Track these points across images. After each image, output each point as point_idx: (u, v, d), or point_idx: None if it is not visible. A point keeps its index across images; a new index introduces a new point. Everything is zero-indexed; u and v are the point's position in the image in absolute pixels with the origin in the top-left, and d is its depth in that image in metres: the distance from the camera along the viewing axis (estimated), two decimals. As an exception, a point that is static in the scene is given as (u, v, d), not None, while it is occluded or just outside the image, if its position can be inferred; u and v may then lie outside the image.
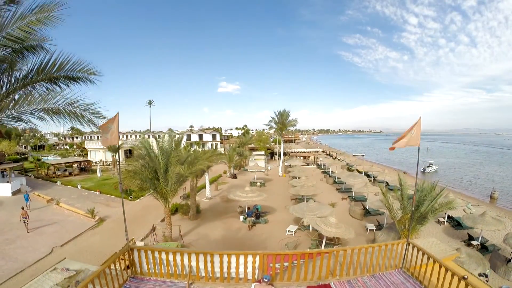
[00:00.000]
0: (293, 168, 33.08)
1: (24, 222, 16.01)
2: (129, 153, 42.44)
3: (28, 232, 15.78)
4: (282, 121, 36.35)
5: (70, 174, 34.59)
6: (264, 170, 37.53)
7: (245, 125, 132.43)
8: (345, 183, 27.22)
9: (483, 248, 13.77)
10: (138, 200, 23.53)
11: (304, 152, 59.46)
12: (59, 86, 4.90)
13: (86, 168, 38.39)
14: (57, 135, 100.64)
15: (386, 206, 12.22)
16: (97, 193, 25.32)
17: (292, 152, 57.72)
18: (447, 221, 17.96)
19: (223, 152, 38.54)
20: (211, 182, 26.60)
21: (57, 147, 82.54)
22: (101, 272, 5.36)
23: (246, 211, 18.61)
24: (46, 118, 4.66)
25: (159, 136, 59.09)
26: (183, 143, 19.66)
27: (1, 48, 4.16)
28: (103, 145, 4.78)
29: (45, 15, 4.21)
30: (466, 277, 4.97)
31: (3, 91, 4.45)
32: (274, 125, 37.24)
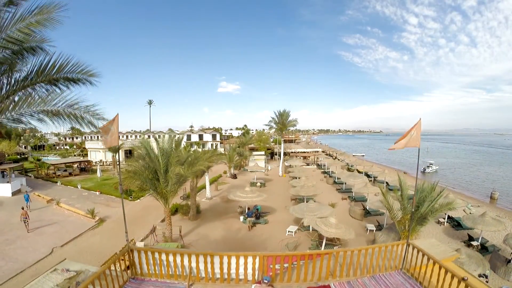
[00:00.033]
0: (293, 168, 33.08)
1: (24, 222, 16.02)
2: (129, 153, 42.43)
3: (28, 232, 15.79)
4: (282, 121, 36.34)
5: (70, 174, 34.59)
6: (264, 170, 37.52)
7: (245, 125, 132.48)
8: (345, 183, 27.22)
9: (483, 248, 13.76)
10: (138, 200, 23.53)
11: (304, 152, 59.45)
12: (59, 88, 4.90)
13: (86, 168, 38.40)
14: (57, 135, 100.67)
15: (386, 206, 12.22)
16: (97, 193, 25.32)
17: (292, 152, 57.72)
18: (447, 222, 17.95)
19: (223, 152, 38.54)
20: (211, 182, 26.61)
21: (57, 147, 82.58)
22: (101, 273, 5.37)
23: (246, 211, 18.61)
24: (46, 120, 4.67)
25: (159, 136, 59.12)
26: (183, 143, 19.66)
27: (1, 50, 4.16)
28: (104, 147, 4.79)
29: (45, 17, 4.20)
30: (466, 278, 4.97)
31: (2, 93, 4.44)
32: (274, 125, 37.24)
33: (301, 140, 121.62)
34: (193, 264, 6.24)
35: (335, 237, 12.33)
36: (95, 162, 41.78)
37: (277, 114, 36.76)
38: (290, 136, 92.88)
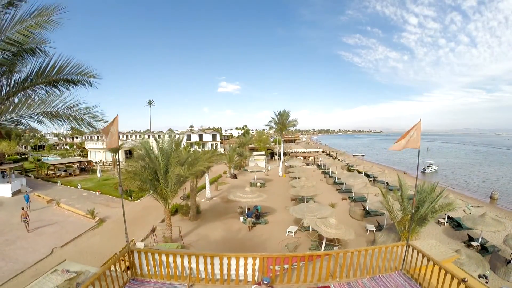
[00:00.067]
0: (293, 169, 33.09)
1: (25, 222, 16.03)
2: (129, 153, 42.43)
3: (28, 232, 15.81)
4: (282, 121, 36.35)
5: (70, 174, 34.59)
6: (264, 171, 37.52)
7: (245, 125, 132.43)
8: (345, 183, 27.22)
9: (483, 249, 13.77)
10: (138, 200, 23.54)
11: (304, 152, 59.47)
12: (59, 89, 4.90)
13: (86, 169, 38.41)
14: (57, 135, 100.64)
15: (386, 207, 12.23)
16: (97, 193, 25.32)
17: (292, 152, 57.72)
18: (447, 222, 17.96)
19: (223, 152, 38.55)
20: (211, 183, 26.62)
21: (57, 147, 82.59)
22: (101, 274, 5.37)
23: (246, 211, 18.61)
24: (46, 122, 4.67)
25: (159, 136, 59.11)
26: (183, 144, 19.67)
27: (0, 52, 4.16)
28: (108, 148, 4.80)
29: (44, 19, 4.20)
30: (465, 279, 4.98)
31: (2, 94, 4.44)
32: (274, 126, 37.26)
33: (301, 140, 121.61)
34: (193, 265, 6.25)
35: (335, 237, 12.34)
36: (95, 162, 41.78)
37: (277, 114, 36.77)
38: (290, 136, 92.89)
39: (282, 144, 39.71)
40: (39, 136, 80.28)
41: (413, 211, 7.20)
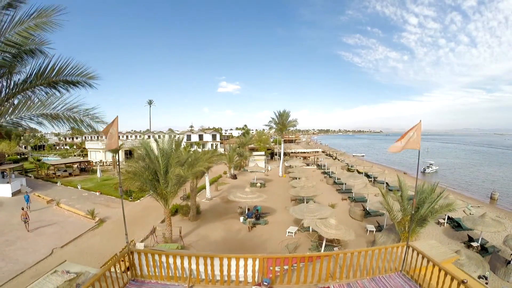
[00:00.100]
0: (293, 169, 33.09)
1: (25, 222, 16.05)
2: (129, 154, 42.44)
3: (28, 232, 15.83)
4: (282, 121, 36.36)
5: (70, 174, 34.61)
6: (264, 171, 37.53)
7: (245, 125, 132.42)
8: (345, 183, 27.23)
9: (483, 249, 13.77)
10: (138, 201, 23.54)
11: (304, 152, 59.46)
12: (58, 91, 4.89)
13: (86, 169, 38.43)
14: (57, 135, 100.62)
15: (386, 208, 12.23)
16: (97, 193, 25.33)
17: (292, 152, 57.72)
18: (447, 222, 17.95)
19: (223, 152, 38.54)
20: (211, 183, 26.62)
21: (57, 147, 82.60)
22: (102, 275, 5.37)
23: (246, 212, 18.62)
24: (45, 124, 4.67)
25: (159, 136, 59.10)
26: (183, 144, 19.67)
27: (0, 53, 4.16)
28: (107, 150, 4.80)
29: (43, 20, 4.19)
30: (465, 281, 4.98)
31: (2, 96, 4.44)
32: (274, 126, 37.27)
33: (301, 140, 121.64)
34: (193, 266, 6.25)
35: (335, 238, 12.34)
36: (95, 163, 41.80)
37: (277, 114, 36.78)
38: (290, 136, 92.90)
39: (282, 144, 39.73)
40: (39, 136, 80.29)
41: (413, 212, 7.20)
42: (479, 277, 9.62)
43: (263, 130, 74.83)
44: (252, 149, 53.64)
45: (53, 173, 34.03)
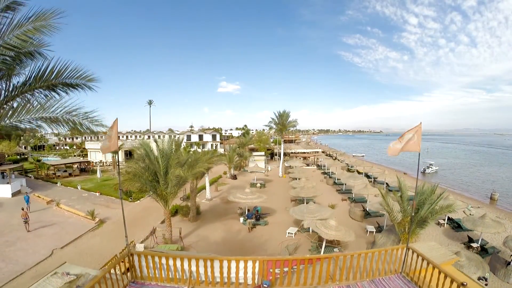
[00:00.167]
0: (293, 169, 33.08)
1: (25, 223, 16.06)
2: (129, 154, 42.46)
3: (29, 232, 15.86)
4: (282, 122, 36.37)
5: (70, 175, 34.61)
6: (264, 171, 37.55)
7: (245, 125, 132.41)
8: (345, 184, 27.23)
9: (483, 250, 13.77)
10: (138, 201, 23.54)
11: (304, 152, 59.46)
12: (58, 94, 4.89)
13: (86, 169, 38.43)
14: (57, 135, 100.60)
15: (386, 209, 12.23)
16: (97, 194, 25.33)
17: (292, 152, 57.71)
18: (447, 223, 17.95)
19: (223, 152, 38.55)
20: (211, 183, 26.62)
21: (57, 148, 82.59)
22: (102, 277, 5.38)
23: (246, 213, 18.61)
24: (44, 127, 4.66)
25: (159, 136, 59.11)
26: (183, 144, 19.68)
27: (-1, 57, 4.15)
28: (103, 153, 4.79)
29: (42, 23, 4.18)
30: (465, 283, 4.98)
31: (1, 99, 4.43)
32: (274, 126, 37.29)
33: (301, 140, 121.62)
34: (193, 268, 6.26)
35: (335, 239, 12.34)
36: (95, 163, 41.79)
37: (277, 114, 36.80)
38: (290, 136, 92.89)
39: (282, 145, 39.74)
40: (39, 137, 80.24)
41: (413, 213, 7.20)
42: (479, 278, 9.62)
43: (263, 130, 74.88)
44: (252, 149, 53.64)
45: (53, 174, 34.02)
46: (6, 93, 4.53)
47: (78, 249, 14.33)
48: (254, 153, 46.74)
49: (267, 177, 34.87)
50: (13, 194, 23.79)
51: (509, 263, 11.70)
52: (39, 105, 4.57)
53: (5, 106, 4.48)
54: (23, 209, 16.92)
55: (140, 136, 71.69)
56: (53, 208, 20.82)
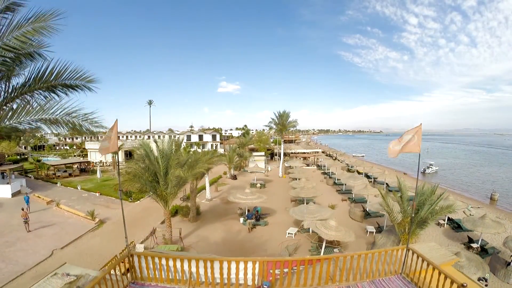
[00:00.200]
0: (293, 169, 33.08)
1: (25, 223, 16.07)
2: (129, 154, 42.45)
3: (29, 231, 15.87)
4: (282, 122, 36.38)
5: (70, 175, 34.61)
6: (264, 171, 37.54)
7: (245, 125, 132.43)
8: (345, 184, 27.23)
9: (483, 250, 13.77)
10: (138, 201, 23.53)
11: (304, 152, 59.46)
12: (57, 95, 4.88)
13: (86, 169, 38.43)
14: (57, 135, 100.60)
15: (386, 209, 12.23)
16: (97, 194, 25.32)
17: (292, 153, 57.71)
18: (447, 223, 17.96)
19: (223, 153, 38.55)
20: (211, 184, 26.61)
21: (57, 148, 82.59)
22: (102, 278, 5.37)
23: (246, 213, 18.61)
24: (44, 128, 4.65)
25: (159, 136, 59.14)
26: (183, 145, 19.67)
27: (-2, 58, 4.14)
28: (103, 154, 4.78)
29: (41, 24, 4.16)
30: (465, 284, 4.97)
31: (0, 100, 4.42)
32: (274, 126, 37.30)
33: (301, 140, 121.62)
34: (193, 269, 6.25)
35: (335, 239, 12.33)
36: (95, 163, 41.79)
37: (277, 115, 36.81)
38: (290, 137, 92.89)
39: (282, 145, 39.74)
40: (39, 137, 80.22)
41: (413, 214, 7.19)
42: (479, 279, 9.62)
43: (263, 130, 74.92)
44: (252, 150, 53.64)
45: (53, 174, 34.03)
46: (6, 94, 4.53)
47: (78, 249, 14.33)
48: (254, 153, 46.75)
49: (267, 177, 34.87)
50: (13, 195, 23.79)
51: (509, 264, 11.70)
52: (38, 107, 4.56)
53: (4, 107, 4.48)
54: (23, 209, 16.92)
55: (140, 136, 71.68)
56: (53, 208, 20.81)
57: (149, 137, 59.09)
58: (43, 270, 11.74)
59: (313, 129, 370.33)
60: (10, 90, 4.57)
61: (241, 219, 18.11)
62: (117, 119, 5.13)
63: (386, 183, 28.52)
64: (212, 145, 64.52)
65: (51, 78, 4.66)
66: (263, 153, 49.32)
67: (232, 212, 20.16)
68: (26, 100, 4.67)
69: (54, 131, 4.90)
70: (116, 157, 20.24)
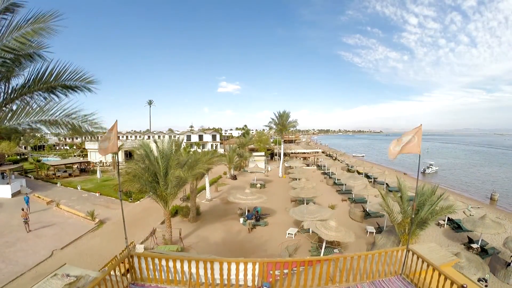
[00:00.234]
0: (293, 169, 33.08)
1: (25, 223, 16.06)
2: (129, 154, 42.45)
3: (29, 231, 15.87)
4: (282, 122, 36.38)
5: (70, 175, 34.60)
6: (264, 171, 37.55)
7: (245, 125, 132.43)
8: (345, 184, 27.23)
9: (483, 251, 13.77)
10: (138, 202, 23.53)
11: (304, 153, 59.46)
12: (57, 96, 4.87)
13: (86, 169, 38.43)
14: (57, 135, 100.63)
15: (386, 210, 12.22)
16: (97, 194, 25.32)
17: (292, 153, 57.71)
18: (447, 224, 17.95)
19: (223, 153, 38.55)
20: (211, 184, 26.61)
21: (57, 148, 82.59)
22: (102, 279, 5.37)
23: (246, 213, 18.61)
24: (44, 129, 4.63)
25: (159, 136, 59.11)
26: (183, 145, 19.67)
27: (-3, 59, 4.13)
28: (101, 155, 4.77)
29: (41, 26, 4.16)
30: (465, 285, 4.97)
31: (0, 101, 4.42)
32: (274, 126, 37.31)
33: (301, 141, 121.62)
34: (193, 270, 6.24)
35: (335, 240, 12.33)
36: (95, 163, 41.78)
37: (277, 115, 36.81)
38: (290, 137, 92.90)
39: (282, 145, 39.75)
40: (39, 137, 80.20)
41: (413, 215, 7.19)
42: (479, 279, 9.62)
43: (263, 130, 74.91)
44: (252, 150, 53.64)
45: (53, 174, 34.01)
46: (5, 95, 4.52)
47: (78, 249, 14.33)
48: (254, 153, 46.74)
49: (267, 178, 34.87)
50: (13, 195, 23.78)
51: (509, 264, 11.70)
52: (38, 108, 4.55)
53: (4, 108, 4.47)
54: (23, 210, 16.91)
55: (140, 136, 71.68)
56: (53, 208, 20.81)
57: (149, 137, 59.08)
58: (43, 270, 11.74)
59: (313, 129, 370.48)
60: (9, 91, 4.57)
61: (241, 220, 18.10)
62: (117, 120, 5.13)
63: (386, 183, 28.52)
64: (212, 145, 64.52)
65: (51, 79, 4.65)
66: (263, 153, 49.32)
67: (232, 212, 20.16)
68: (25, 101, 4.66)
69: (54, 131, 4.89)
70: (116, 157, 20.21)
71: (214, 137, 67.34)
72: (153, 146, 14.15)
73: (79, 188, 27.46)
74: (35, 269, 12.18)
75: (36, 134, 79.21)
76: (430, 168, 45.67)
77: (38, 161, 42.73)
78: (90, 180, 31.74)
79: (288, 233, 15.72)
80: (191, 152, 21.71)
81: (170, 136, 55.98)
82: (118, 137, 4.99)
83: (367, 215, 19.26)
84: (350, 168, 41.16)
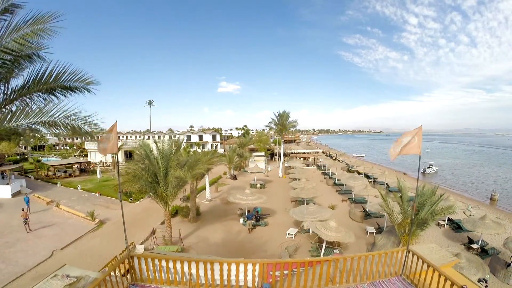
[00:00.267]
0: (293, 170, 33.08)
1: (25, 223, 16.06)
2: (129, 155, 42.44)
3: (29, 231, 15.87)
4: (282, 122, 36.38)
5: (70, 175, 34.60)
6: (264, 171, 37.53)
7: (245, 125, 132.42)
8: (345, 185, 27.22)
9: (483, 251, 13.76)
10: (138, 202, 23.52)
11: (304, 153, 59.46)
12: (56, 97, 4.87)
13: (86, 169, 38.42)
14: (57, 135, 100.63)
15: (386, 210, 12.22)
16: (97, 195, 25.31)
17: (292, 153, 57.71)
18: (447, 224, 17.94)
19: (223, 153, 38.54)
20: (211, 184, 26.61)
21: (57, 148, 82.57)
22: (102, 280, 5.37)
23: (246, 213, 18.60)
24: (43, 131, 4.62)
25: (159, 136, 59.11)
26: (183, 145, 19.67)
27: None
28: (101, 154, 4.77)
29: (40, 27, 4.16)
30: (465, 286, 4.97)
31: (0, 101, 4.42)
32: (274, 126, 37.31)
33: (301, 141, 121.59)
34: (193, 271, 6.24)
35: (335, 240, 12.33)
36: (95, 163, 41.78)
37: (277, 115, 36.81)
38: (290, 137, 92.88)
39: (282, 145, 39.74)
40: (39, 137, 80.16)
41: (413, 216, 7.19)
42: (479, 280, 9.61)
43: (263, 130, 74.90)
44: (252, 150, 53.63)
45: (53, 174, 34.00)
46: (5, 96, 4.51)
47: (78, 250, 14.32)
48: (254, 154, 46.72)
49: (267, 178, 34.86)
50: (13, 195, 23.77)
51: (509, 265, 11.70)
52: (37, 109, 4.54)
53: (3, 109, 4.46)
54: (23, 210, 16.90)
55: (140, 136, 71.68)
56: (53, 208, 20.80)
57: (149, 137, 59.07)
58: (43, 271, 11.74)
59: (313, 129, 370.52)
60: (9, 92, 4.56)
61: (241, 220, 18.10)
62: (116, 121, 5.13)
63: (386, 184, 28.51)
64: (212, 145, 64.52)
65: (50, 80, 4.64)
66: (263, 153, 49.30)
67: (232, 212, 20.16)
68: (25, 103, 4.66)
69: (53, 132, 4.89)
70: (116, 158, 20.20)
71: (214, 137, 67.35)
72: (153, 146, 14.15)
73: (79, 188, 27.45)
74: (35, 270, 12.17)
75: (36, 135, 79.21)
76: (430, 168, 45.68)
77: (38, 161, 42.72)
78: (90, 180, 31.73)
79: (288, 234, 15.71)
80: (191, 152, 21.73)
81: (170, 136, 56.00)
82: (118, 137, 4.98)
83: (367, 215, 19.25)
84: (350, 168, 41.16)
